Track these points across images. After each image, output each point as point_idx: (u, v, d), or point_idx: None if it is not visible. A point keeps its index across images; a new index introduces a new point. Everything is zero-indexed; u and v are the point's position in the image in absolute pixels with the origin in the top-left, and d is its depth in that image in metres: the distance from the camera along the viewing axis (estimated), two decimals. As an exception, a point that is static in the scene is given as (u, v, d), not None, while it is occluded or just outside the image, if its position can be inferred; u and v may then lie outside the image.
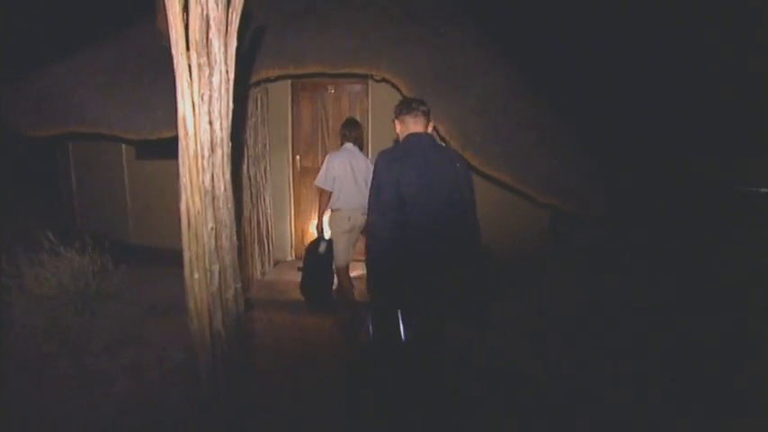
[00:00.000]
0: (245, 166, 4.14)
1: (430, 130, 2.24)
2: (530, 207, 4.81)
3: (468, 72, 4.65)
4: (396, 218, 1.99)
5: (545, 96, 5.13)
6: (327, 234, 3.81)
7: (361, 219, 3.60)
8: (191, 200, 1.82)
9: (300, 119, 5.09)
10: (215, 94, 1.82)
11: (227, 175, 1.95)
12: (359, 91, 5.03)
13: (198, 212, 1.82)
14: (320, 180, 3.63)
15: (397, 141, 2.25)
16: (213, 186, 1.88)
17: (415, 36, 4.60)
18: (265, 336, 3.40)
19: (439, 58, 4.55)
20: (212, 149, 1.86)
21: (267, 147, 4.73)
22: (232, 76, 1.89)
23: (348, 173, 3.61)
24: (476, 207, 2.22)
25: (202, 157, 1.81)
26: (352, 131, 3.78)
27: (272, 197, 4.84)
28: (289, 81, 4.84)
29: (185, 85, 1.74)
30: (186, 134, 1.78)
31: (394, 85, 4.33)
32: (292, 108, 4.97)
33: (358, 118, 5.06)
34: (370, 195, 2.15)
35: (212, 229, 1.87)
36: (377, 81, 4.76)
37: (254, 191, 4.46)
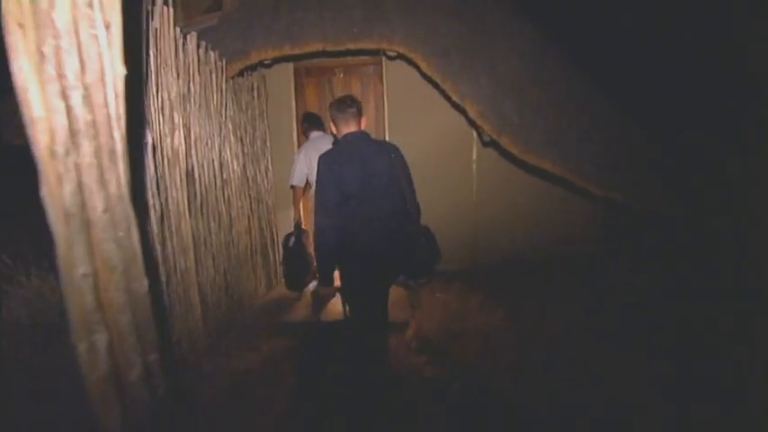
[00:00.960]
0: (234, 167, 3.47)
1: (363, 126, 2.27)
2: (580, 200, 3.88)
3: (499, 43, 3.75)
4: (339, 214, 2.09)
5: (593, 75, 4.16)
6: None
7: None
8: (55, 227, 1.12)
9: (306, 107, 4.37)
10: (63, 42, 1.08)
11: (119, 186, 1.21)
12: (371, 73, 4.22)
13: (65, 248, 1.12)
14: (292, 178, 3.56)
15: (340, 139, 2.26)
16: (83, 205, 1.13)
17: (434, 3, 3.76)
18: (262, 381, 2.70)
19: (463, 28, 3.68)
20: (74, 142, 1.11)
21: (267, 143, 4.04)
22: (115, 15, 1.15)
23: (303, 161, 3.47)
24: (415, 192, 2.29)
25: (55, 156, 1.09)
26: (312, 124, 3.58)
27: (276, 200, 4.17)
28: (291, 66, 4.13)
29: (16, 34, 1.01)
30: (30, 115, 1.06)
31: (411, 62, 3.51)
32: (296, 97, 4.24)
33: (373, 103, 4.32)
34: (315, 195, 2.22)
35: (86, 275, 1.14)
36: (391, 58, 3.94)
37: (253, 194, 3.79)
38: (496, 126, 3.25)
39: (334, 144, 2.53)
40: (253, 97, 3.80)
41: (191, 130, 2.76)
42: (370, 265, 2.18)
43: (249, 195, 3.69)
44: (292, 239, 3.62)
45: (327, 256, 2.18)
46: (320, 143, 3.60)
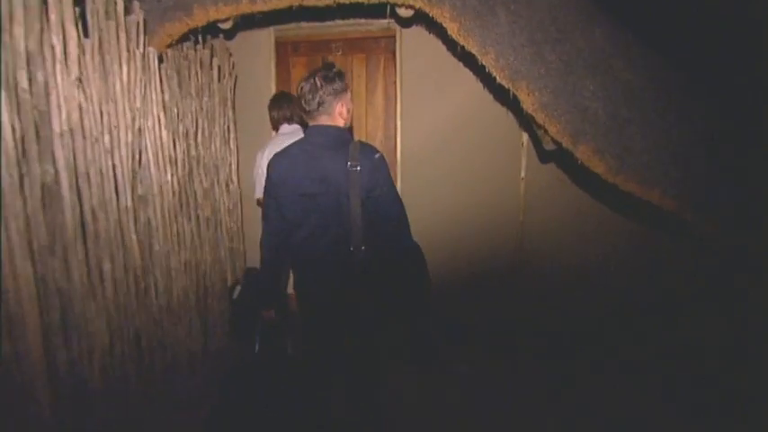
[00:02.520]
0: (165, 176, 2.30)
1: (343, 111, 1.60)
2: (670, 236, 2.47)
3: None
4: (276, 241, 1.71)
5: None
6: None
7: None
8: None
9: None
10: None
11: None
12: (381, 49, 2.96)
13: None
14: (255, 189, 2.55)
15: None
16: None
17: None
18: None
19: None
20: None
21: (232, 143, 2.84)
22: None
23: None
24: (402, 224, 1.60)
25: None
26: (281, 111, 2.53)
27: (245, 221, 3.00)
28: (272, 38, 2.94)
29: None
30: None
31: (435, 25, 2.24)
32: (278, 81, 3.03)
33: (381, 93, 3.06)
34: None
35: None
36: (406, 25, 2.69)
37: (205, 214, 2.63)
38: (571, 127, 1.93)
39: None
40: (210, 79, 2.64)
41: (51, 115, 1.62)
42: (320, 317, 1.74)
43: (196, 216, 2.53)
44: (237, 290, 2.46)
45: (267, 277, 1.81)
46: (289, 141, 2.43)
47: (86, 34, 1.77)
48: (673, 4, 2.85)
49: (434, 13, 2.11)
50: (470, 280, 2.78)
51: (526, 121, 2.64)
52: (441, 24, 2.18)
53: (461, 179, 2.80)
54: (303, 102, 1.59)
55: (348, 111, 1.63)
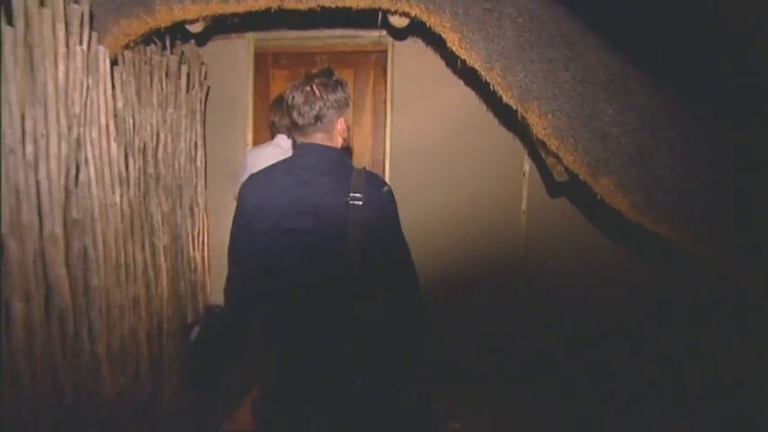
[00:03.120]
0: (113, 197, 1.92)
1: (341, 129, 1.26)
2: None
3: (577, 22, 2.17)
4: (246, 288, 1.28)
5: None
6: None
7: None
8: None
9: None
10: None
11: None
12: (371, 63, 2.66)
13: None
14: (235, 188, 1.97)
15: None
16: None
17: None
18: None
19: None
20: None
21: (199, 161, 2.46)
22: None
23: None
24: (410, 279, 1.26)
25: None
26: (284, 117, 1.98)
27: (215, 253, 2.61)
28: (251, 48, 2.63)
29: None
30: None
31: (433, 36, 1.96)
32: (257, 95, 2.69)
33: (369, 112, 2.76)
34: None
35: None
36: (400, 37, 2.41)
37: (161, 243, 2.25)
38: (590, 156, 1.63)
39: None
40: (177, 88, 2.30)
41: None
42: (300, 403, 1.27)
43: (151, 244, 2.14)
44: (195, 330, 2.05)
45: (228, 336, 1.37)
46: (280, 157, 2.13)
47: (10, 21, 1.44)
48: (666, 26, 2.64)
49: (432, 21, 1.83)
50: (471, 325, 2.43)
51: (531, 148, 2.37)
52: (439, 36, 1.91)
53: (457, 213, 2.48)
54: (295, 113, 1.24)
55: (348, 129, 1.30)
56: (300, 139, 1.28)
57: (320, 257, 1.20)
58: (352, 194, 1.18)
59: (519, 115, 1.75)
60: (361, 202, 1.18)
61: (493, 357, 2.43)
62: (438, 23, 1.82)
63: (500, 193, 2.47)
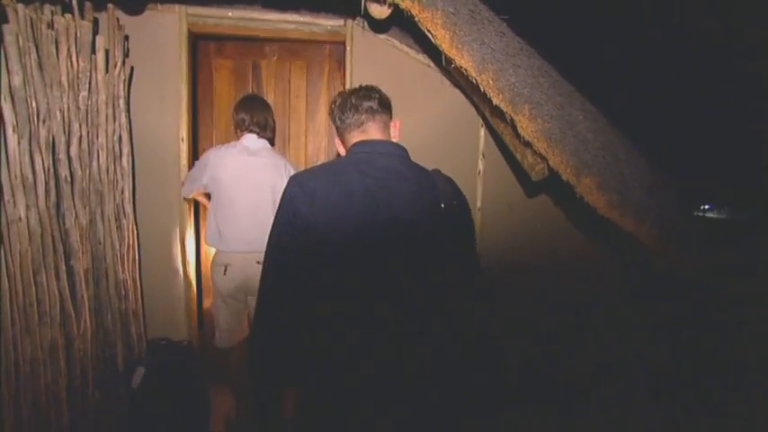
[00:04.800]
0: (33, 208, 1.32)
1: (396, 135, 1.12)
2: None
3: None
4: (291, 283, 0.93)
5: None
6: None
7: (252, 270, 1.77)
8: None
9: (213, 108, 2.36)
10: None
11: None
12: (326, 55, 2.40)
13: None
14: (184, 189, 1.93)
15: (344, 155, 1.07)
16: None
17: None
18: None
19: None
20: None
21: (126, 161, 1.89)
22: None
23: (237, 181, 1.82)
24: (479, 266, 1.09)
25: None
26: (255, 115, 1.88)
27: (147, 273, 2.05)
28: (182, 22, 2.10)
29: None
30: None
31: (410, 29, 1.79)
32: (194, 86, 2.19)
33: (323, 112, 2.49)
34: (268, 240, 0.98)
35: None
36: (374, 27, 2.21)
37: (84, 264, 1.66)
38: (575, 158, 1.69)
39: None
40: (92, 66, 1.70)
41: None
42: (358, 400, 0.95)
43: (67, 269, 1.55)
44: (139, 372, 1.59)
45: (272, 366, 0.95)
46: (247, 159, 1.85)
47: None
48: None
49: (423, 17, 1.68)
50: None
51: (488, 147, 2.42)
52: (421, 23, 1.77)
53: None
54: (344, 102, 1.05)
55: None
56: (354, 137, 1.06)
57: (408, 279, 0.97)
58: (444, 202, 0.99)
59: (508, 117, 1.73)
60: (444, 204, 0.99)
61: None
62: (429, 19, 1.68)
63: (458, 192, 2.47)
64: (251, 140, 1.84)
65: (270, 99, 2.29)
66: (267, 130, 1.94)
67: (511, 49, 1.74)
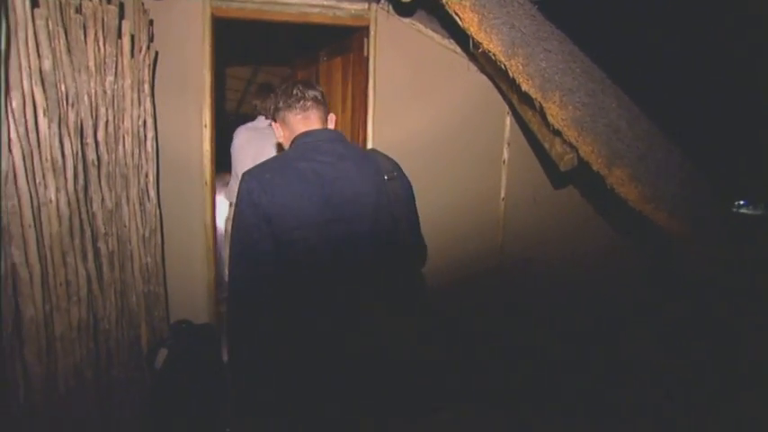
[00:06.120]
0: (62, 191, 1.37)
1: (332, 125, 1.21)
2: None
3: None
4: (266, 274, 1.04)
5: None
6: None
7: None
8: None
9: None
10: None
11: None
12: (350, 44, 2.38)
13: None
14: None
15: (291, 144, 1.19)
16: None
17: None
18: None
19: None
20: None
21: (149, 145, 1.91)
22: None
23: (247, 153, 2.19)
24: (421, 234, 1.26)
25: None
26: (265, 101, 2.24)
27: (171, 237, 2.08)
28: (206, 8, 2.08)
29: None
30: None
31: (439, 5, 1.74)
32: (214, 68, 2.24)
33: (348, 104, 2.47)
34: (231, 240, 1.09)
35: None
36: (388, 9, 2.17)
37: (109, 246, 1.70)
38: (607, 148, 1.63)
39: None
40: (119, 50, 1.72)
41: None
42: (330, 377, 1.10)
43: (94, 252, 1.58)
44: (162, 354, 1.63)
45: (251, 347, 1.06)
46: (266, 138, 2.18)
47: None
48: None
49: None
50: (448, 309, 2.35)
51: (514, 135, 2.36)
52: (441, 15, 1.73)
53: (436, 202, 2.35)
54: (289, 89, 1.17)
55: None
56: (299, 124, 1.16)
57: (369, 238, 1.11)
58: (387, 174, 1.15)
59: (537, 104, 1.68)
60: (388, 177, 1.16)
61: (473, 352, 2.41)
62: (457, 1, 1.63)
63: (480, 181, 2.42)
64: (261, 120, 2.32)
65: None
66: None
67: (542, 32, 1.68)
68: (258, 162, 1.14)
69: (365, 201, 1.11)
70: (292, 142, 1.17)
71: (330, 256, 1.07)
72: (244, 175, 1.08)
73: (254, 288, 1.05)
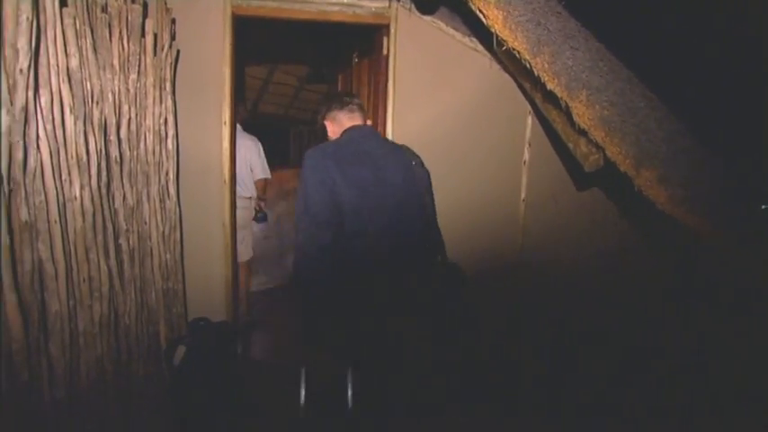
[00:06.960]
0: (86, 188, 1.39)
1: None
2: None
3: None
4: (331, 238, 1.31)
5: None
6: None
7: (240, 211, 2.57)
8: None
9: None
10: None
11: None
12: (371, 43, 2.37)
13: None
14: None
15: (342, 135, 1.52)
16: None
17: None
18: None
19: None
20: None
21: (171, 142, 1.93)
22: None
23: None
24: (437, 218, 1.59)
25: None
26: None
27: (190, 235, 2.10)
28: (227, 6, 2.10)
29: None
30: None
31: (461, 2, 1.72)
32: (234, 66, 2.25)
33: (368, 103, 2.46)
34: (296, 208, 1.36)
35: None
36: (409, 7, 2.15)
37: (131, 243, 1.72)
38: (636, 148, 1.59)
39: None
40: (141, 49, 1.74)
41: None
42: (383, 317, 1.43)
43: (115, 248, 1.61)
44: (181, 350, 1.64)
45: (317, 294, 1.32)
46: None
47: None
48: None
49: (475, -5, 1.61)
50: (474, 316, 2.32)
51: (535, 136, 2.32)
52: (463, 12, 1.70)
53: (456, 203, 2.32)
54: (339, 97, 1.60)
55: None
56: (348, 121, 1.51)
57: (410, 219, 1.46)
58: (409, 161, 1.52)
59: (563, 103, 1.64)
60: (414, 162, 1.53)
61: (494, 352, 2.37)
62: (481, -2, 1.61)
63: (500, 183, 2.38)
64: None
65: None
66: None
67: (568, 30, 1.64)
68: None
69: (405, 175, 1.47)
70: (342, 134, 1.50)
71: (377, 215, 1.37)
72: (314, 152, 1.39)
73: (313, 244, 1.30)
